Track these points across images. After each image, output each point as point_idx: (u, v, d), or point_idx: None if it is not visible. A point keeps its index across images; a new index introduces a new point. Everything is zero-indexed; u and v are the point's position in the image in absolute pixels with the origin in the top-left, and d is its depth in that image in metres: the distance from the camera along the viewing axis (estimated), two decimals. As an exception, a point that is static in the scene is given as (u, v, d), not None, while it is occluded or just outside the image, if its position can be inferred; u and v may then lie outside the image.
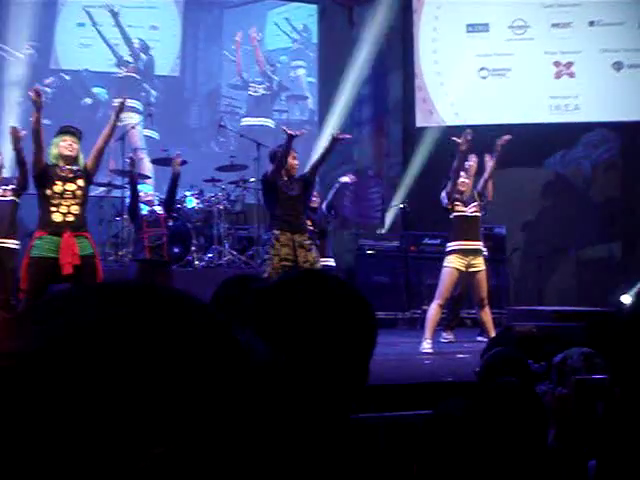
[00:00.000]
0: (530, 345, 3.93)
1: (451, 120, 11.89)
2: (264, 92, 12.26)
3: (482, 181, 7.42)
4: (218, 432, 0.47)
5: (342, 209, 11.68)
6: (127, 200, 8.50)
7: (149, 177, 10.40)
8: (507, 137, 7.33)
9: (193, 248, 9.00)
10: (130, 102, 11.53)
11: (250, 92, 12.24)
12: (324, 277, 1.34)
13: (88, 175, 5.90)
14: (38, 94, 5.76)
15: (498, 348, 3.26)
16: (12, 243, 6.67)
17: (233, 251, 9.19)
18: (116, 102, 5.91)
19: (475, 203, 7.35)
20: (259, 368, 0.51)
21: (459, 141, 7.12)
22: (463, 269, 7.14)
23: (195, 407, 0.47)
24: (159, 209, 8.06)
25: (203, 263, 9.03)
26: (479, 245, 7.29)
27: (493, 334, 6.68)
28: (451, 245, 7.25)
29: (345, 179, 8.49)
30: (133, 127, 10.01)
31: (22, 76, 11.20)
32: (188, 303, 0.52)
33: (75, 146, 5.86)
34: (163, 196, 8.38)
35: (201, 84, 12.51)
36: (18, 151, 5.95)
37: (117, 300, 0.51)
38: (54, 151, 5.84)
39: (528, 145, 11.37)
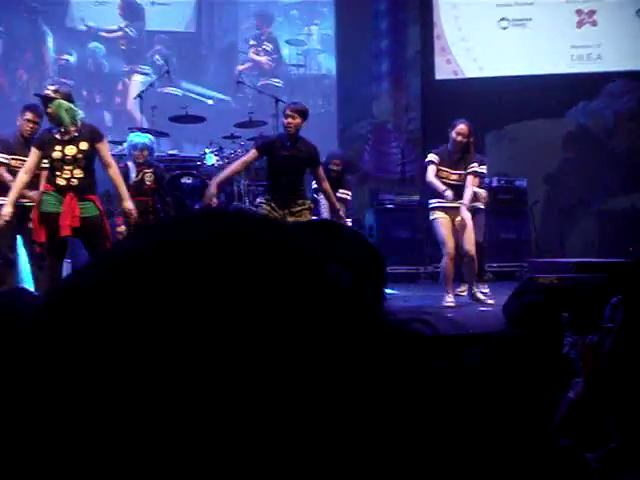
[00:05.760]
0: (552, 296, 3.93)
1: (471, 72, 11.75)
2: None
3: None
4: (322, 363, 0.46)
5: (362, 164, 11.64)
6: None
7: (167, 134, 10.39)
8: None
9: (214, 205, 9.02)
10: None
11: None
12: (327, 224, 1.38)
13: (94, 142, 5.70)
14: None
15: (530, 297, 3.26)
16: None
17: (253, 207, 9.20)
18: None
19: (461, 172, 7.03)
20: (351, 295, 0.51)
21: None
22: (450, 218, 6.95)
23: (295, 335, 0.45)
24: (149, 178, 7.78)
25: (224, 220, 9.05)
26: (459, 202, 6.93)
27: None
28: (432, 202, 7.02)
29: None
30: (139, 96, 9.96)
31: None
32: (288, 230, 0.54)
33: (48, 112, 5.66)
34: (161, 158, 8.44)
35: (218, 39, 12.41)
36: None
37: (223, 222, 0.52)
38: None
39: (549, 96, 11.24)
